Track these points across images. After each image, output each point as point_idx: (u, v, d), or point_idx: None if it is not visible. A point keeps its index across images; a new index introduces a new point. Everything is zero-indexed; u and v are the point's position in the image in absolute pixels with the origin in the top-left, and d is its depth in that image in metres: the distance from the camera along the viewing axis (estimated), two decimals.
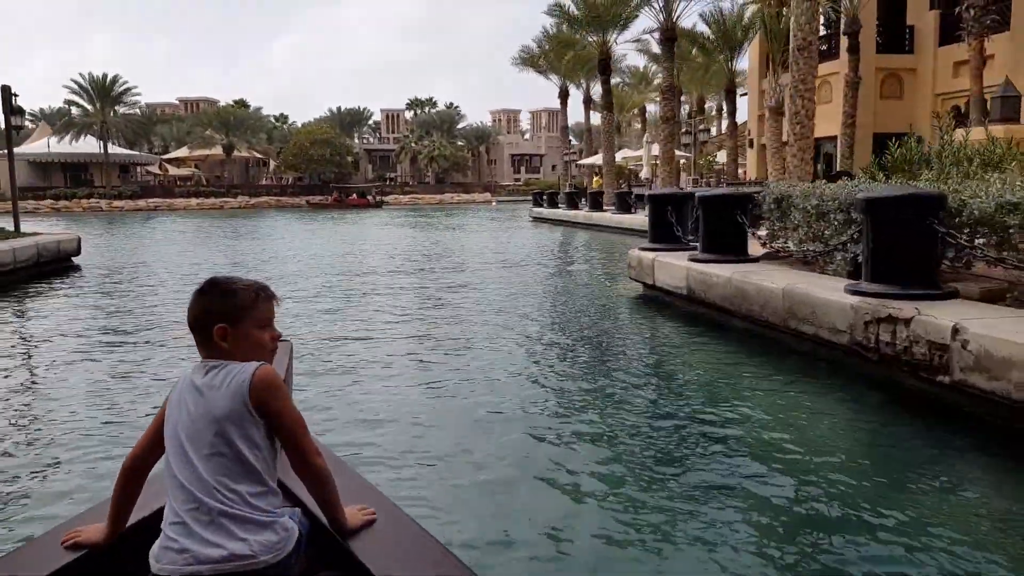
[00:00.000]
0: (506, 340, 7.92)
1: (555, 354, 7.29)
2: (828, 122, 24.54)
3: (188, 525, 1.61)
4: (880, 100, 23.80)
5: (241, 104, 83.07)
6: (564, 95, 36.81)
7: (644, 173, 26.02)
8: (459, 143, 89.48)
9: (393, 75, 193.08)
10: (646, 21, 59.76)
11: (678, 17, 24.28)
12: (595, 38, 29.36)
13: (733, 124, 24.47)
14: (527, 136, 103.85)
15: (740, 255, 8.69)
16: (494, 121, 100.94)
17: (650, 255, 9.96)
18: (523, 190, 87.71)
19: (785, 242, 8.47)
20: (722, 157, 31.43)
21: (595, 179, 37.13)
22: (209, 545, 1.59)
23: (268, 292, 1.83)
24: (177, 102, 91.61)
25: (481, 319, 9.23)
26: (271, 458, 1.74)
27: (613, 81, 44.43)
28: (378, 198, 61.28)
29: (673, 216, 10.10)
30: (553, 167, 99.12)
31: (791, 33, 12.48)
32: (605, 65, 29.78)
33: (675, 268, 9.09)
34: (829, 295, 6.19)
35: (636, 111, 49.99)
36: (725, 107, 26.86)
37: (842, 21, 23.05)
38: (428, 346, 7.65)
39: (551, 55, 34.90)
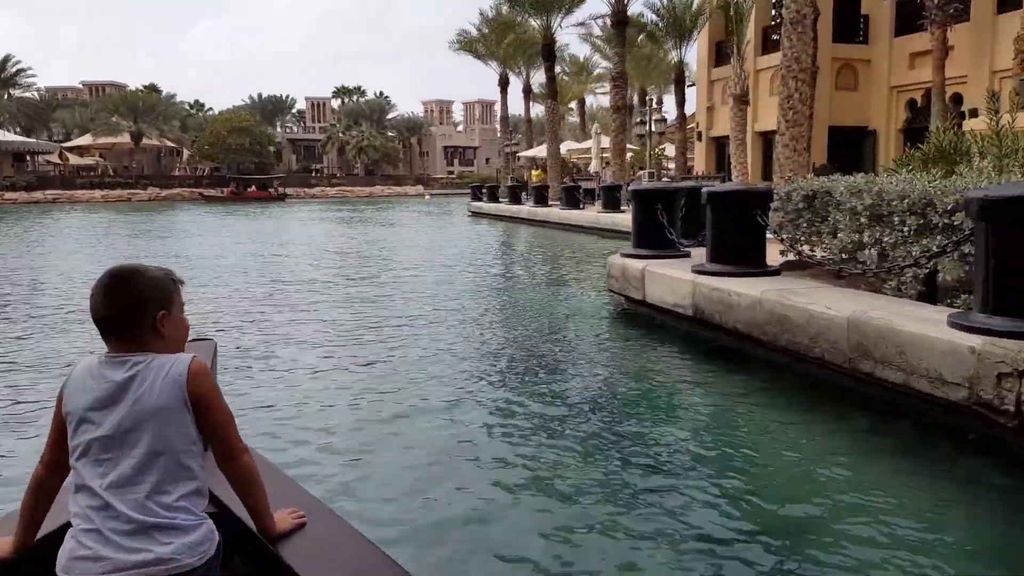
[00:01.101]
0: (452, 368, 6.13)
1: (517, 394, 5.51)
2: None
3: (103, 532, 1.53)
4: (835, 92, 22.87)
5: (152, 89, 78.02)
6: (504, 83, 34.99)
7: (593, 166, 24.49)
8: (390, 134, 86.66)
9: (321, 64, 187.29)
10: (591, 6, 58.83)
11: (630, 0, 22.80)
12: (538, 21, 27.63)
13: (682, 116, 23.16)
14: (460, 128, 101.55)
15: (757, 265, 7.05)
16: (426, 112, 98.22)
17: (638, 263, 8.25)
18: (457, 183, 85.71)
19: (812, 249, 6.87)
20: (670, 151, 30.23)
21: (535, 172, 35.49)
22: (128, 551, 1.52)
23: (177, 277, 1.77)
24: (81, 86, 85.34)
25: (419, 340, 7.40)
26: (202, 455, 1.68)
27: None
28: (280, 190, 57.82)
29: (664, 216, 8.41)
30: (488, 160, 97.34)
31: (784, 7, 11.00)
32: (549, 51, 28.07)
33: (677, 282, 7.39)
34: (927, 330, 4.57)
35: (575, 103, 48.48)
36: (674, 98, 25.58)
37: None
38: (357, 359, 6.68)
39: (491, 39, 33.00)
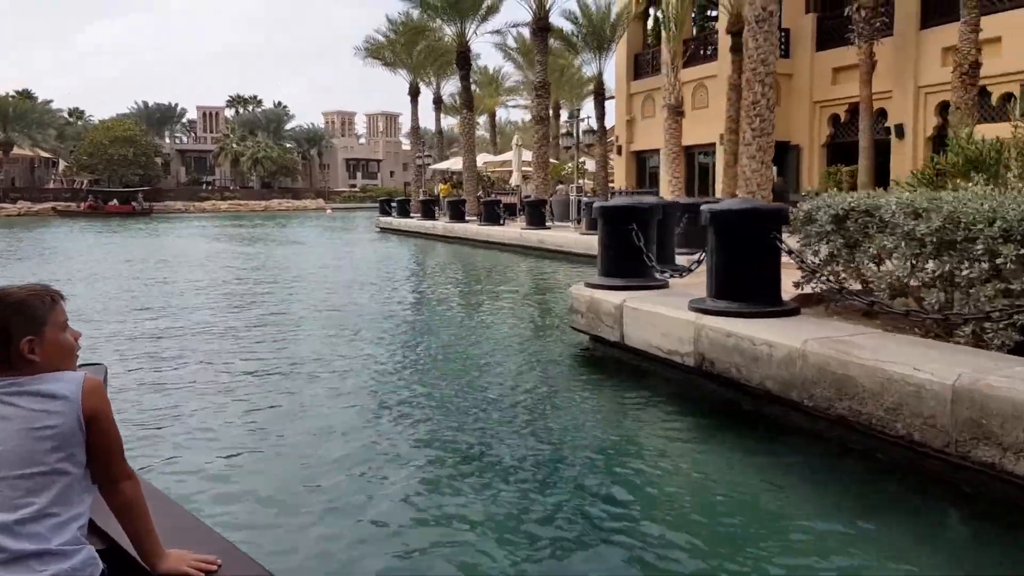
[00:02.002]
0: (367, 429, 4.51)
1: (447, 471, 3.94)
2: (704, 128, 22.88)
3: None
4: None
5: (25, 95, 71.73)
6: (414, 92, 33.17)
7: (514, 180, 23.10)
8: (288, 145, 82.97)
9: (217, 74, 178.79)
10: (505, 15, 57.84)
11: (552, 5, 21.58)
12: (452, 28, 26.10)
13: (603, 128, 22.11)
14: (363, 140, 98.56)
15: (773, 301, 5.69)
16: (327, 123, 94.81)
17: (613, 297, 6.77)
18: (360, 197, 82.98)
19: (839, 281, 5.56)
20: (589, 165, 29.20)
21: (442, 186, 33.81)
22: None
23: (55, 292, 1.67)
24: None
25: (334, 388, 5.68)
26: (91, 479, 1.61)
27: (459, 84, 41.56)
28: (145, 204, 53.77)
29: (640, 238, 6.96)
30: (392, 173, 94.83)
31: (747, 4, 9.87)
32: (464, 58, 26.54)
33: (672, 323, 5.93)
34: None
35: (485, 116, 47.16)
36: (594, 111, 24.65)
37: (724, 20, 21.31)
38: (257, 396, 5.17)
39: (399, 46, 31.17)
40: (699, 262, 6.46)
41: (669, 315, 5.99)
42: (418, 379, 6.62)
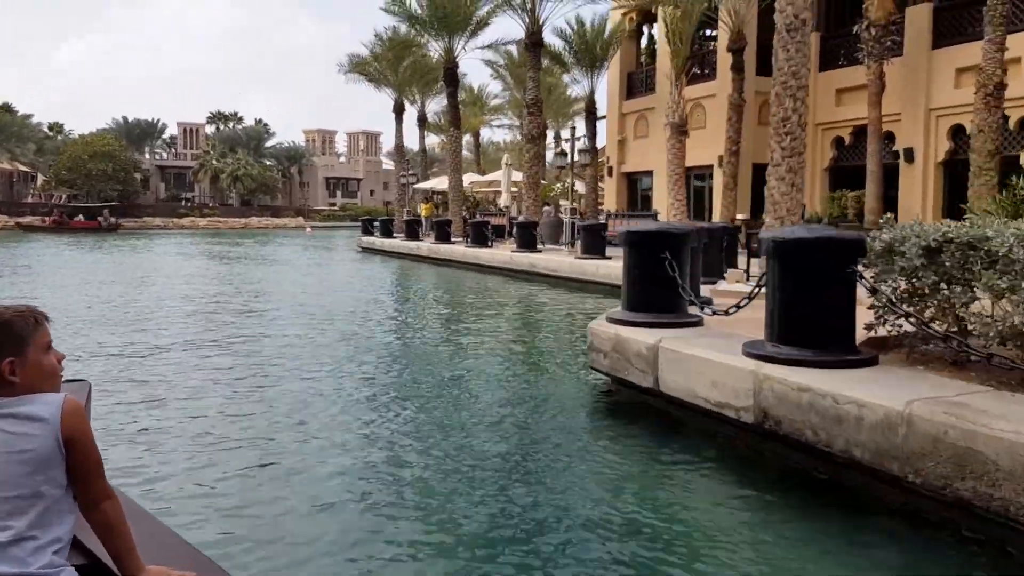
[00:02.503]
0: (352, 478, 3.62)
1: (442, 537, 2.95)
2: (701, 150, 22.15)
3: None
4: (759, 127, 21.73)
5: (5, 109, 70.17)
6: (399, 109, 32.20)
7: (504, 201, 22.20)
8: (268, 163, 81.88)
9: (197, 90, 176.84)
10: (496, 31, 56.85)
11: (545, 20, 20.83)
12: (441, 44, 25.27)
13: (594, 149, 21.31)
14: (343, 159, 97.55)
15: (847, 348, 4.75)
16: (308, 141, 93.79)
17: (646, 337, 5.80)
18: (339, 215, 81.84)
19: (921, 323, 4.63)
20: (579, 186, 28.39)
21: (424, 205, 32.84)
22: None
23: (40, 313, 1.66)
24: None
25: (317, 438, 4.71)
26: (72, 500, 1.61)
27: (444, 102, 40.73)
28: (111, 220, 52.24)
29: (674, 268, 6.01)
30: (372, 192, 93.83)
31: (777, 11, 9.05)
32: (452, 75, 25.67)
33: (723, 370, 4.98)
34: None
35: (468, 136, 46.32)
36: (585, 131, 23.90)
37: (724, 38, 20.67)
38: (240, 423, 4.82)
39: (385, 62, 30.28)
40: (750, 298, 5.53)
41: (721, 361, 5.02)
42: (408, 430, 5.60)
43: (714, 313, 5.91)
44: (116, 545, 1.62)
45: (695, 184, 23.94)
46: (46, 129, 76.40)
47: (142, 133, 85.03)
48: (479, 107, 42.80)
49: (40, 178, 68.60)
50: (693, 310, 6.41)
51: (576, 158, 17.93)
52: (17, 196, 66.41)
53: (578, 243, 18.00)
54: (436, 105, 37.71)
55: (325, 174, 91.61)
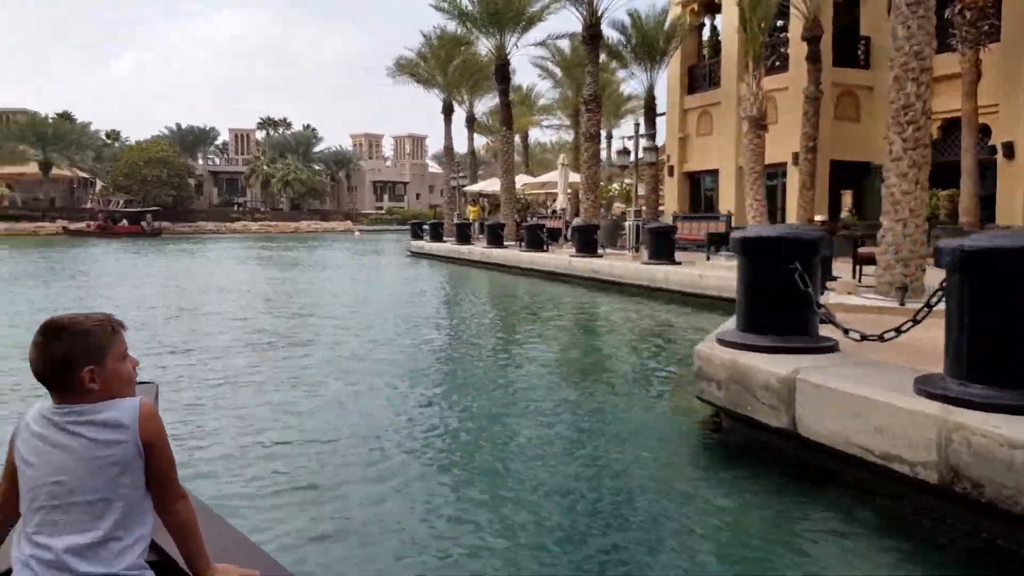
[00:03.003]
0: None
1: None
2: (772, 147, 20.73)
3: None
4: (836, 121, 20.27)
5: (65, 117, 71.86)
6: (448, 110, 31.36)
7: (559, 203, 21.12)
8: (316, 167, 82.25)
9: (246, 97, 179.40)
10: (549, 25, 56.01)
11: (603, 12, 19.70)
12: (492, 41, 24.35)
13: (654, 147, 20.03)
14: (390, 162, 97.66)
15: None
16: (355, 145, 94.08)
17: (776, 366, 4.70)
18: (387, 219, 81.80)
19: None
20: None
21: (471, 208, 31.97)
22: None
23: (117, 321, 1.69)
24: None
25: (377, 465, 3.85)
26: (150, 501, 1.64)
27: (493, 102, 39.83)
28: (155, 225, 52.57)
29: (806, 281, 4.90)
30: (418, 195, 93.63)
31: None
32: (503, 72, 24.70)
33: (894, 414, 3.85)
34: None
35: (516, 137, 45.29)
36: (644, 128, 22.59)
37: (797, 26, 19.28)
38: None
39: (434, 62, 29.49)
40: (916, 321, 4.38)
41: (890, 402, 3.89)
42: (467, 460, 4.62)
43: (863, 338, 4.75)
44: (188, 543, 1.67)
45: (766, 183, 22.50)
46: (104, 137, 78.08)
47: (195, 140, 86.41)
48: (527, 107, 41.79)
49: (99, 184, 70.03)
50: (823, 330, 5.29)
51: (641, 156, 16.69)
52: (77, 202, 67.88)
53: (642, 247, 16.85)
54: (484, 106, 36.92)
55: (372, 178, 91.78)
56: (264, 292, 16.06)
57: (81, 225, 52.57)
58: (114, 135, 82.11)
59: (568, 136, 49.71)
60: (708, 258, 15.71)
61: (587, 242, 17.70)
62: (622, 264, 15.84)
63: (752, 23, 13.95)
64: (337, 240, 49.33)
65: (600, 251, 18.08)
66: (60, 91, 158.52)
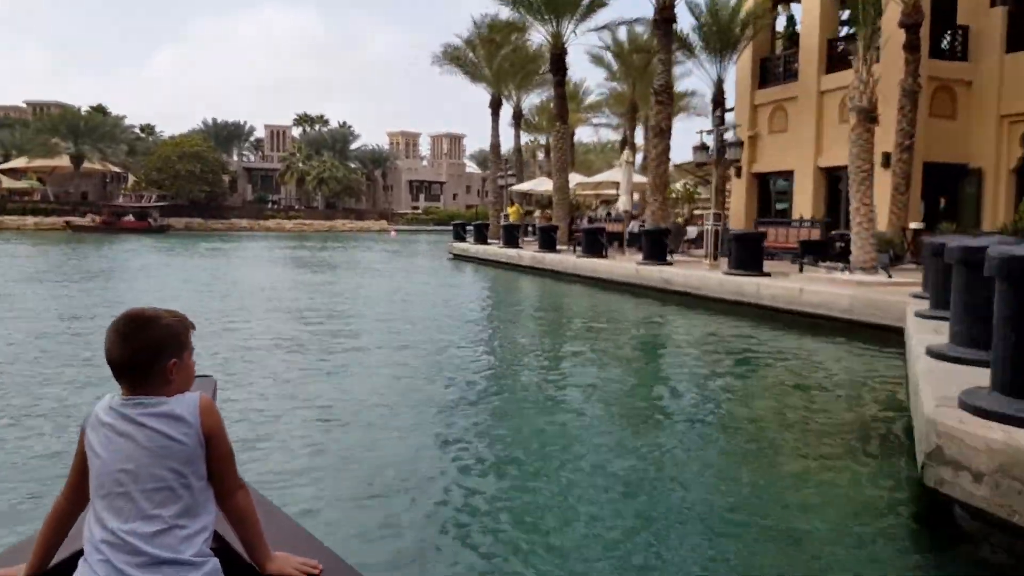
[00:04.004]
0: None
1: None
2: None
3: (114, 564, 1.55)
4: (932, 119, 18.24)
5: (99, 110, 71.74)
6: (496, 104, 29.68)
7: (622, 204, 19.38)
8: (352, 165, 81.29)
9: (284, 94, 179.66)
10: (610, 12, 54.13)
11: None
12: (547, 28, 22.67)
13: (740, 143, 17.96)
14: (426, 162, 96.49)
15: None
16: (392, 144, 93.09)
17: None
18: (423, 219, 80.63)
19: None
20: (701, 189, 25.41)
21: (511, 208, 30.22)
22: None
23: (191, 321, 1.76)
24: (24, 106, 78.31)
25: None
26: (211, 491, 1.69)
27: (541, 97, 38.13)
28: (160, 221, 51.39)
29: None
30: (455, 196, 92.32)
31: None
32: (559, 62, 23.00)
33: None
34: None
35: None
36: (711, 125, 20.70)
37: (893, 11, 17.27)
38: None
39: (482, 50, 27.87)
40: None
41: None
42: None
43: None
44: (247, 532, 1.72)
45: (844, 189, 20.51)
46: (138, 131, 77.88)
47: (230, 135, 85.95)
48: (575, 103, 39.99)
49: (131, 179, 69.69)
50: None
51: (727, 152, 14.76)
52: (110, 196, 67.62)
53: (719, 256, 15.03)
54: (529, 103, 35.32)
55: (408, 177, 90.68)
56: (296, 303, 14.53)
57: (85, 220, 51.62)
58: (148, 129, 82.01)
59: (615, 136, 47.83)
60: (801, 269, 13.83)
61: (656, 248, 15.93)
62: (700, 274, 14.03)
63: (863, 3, 12.08)
64: (373, 240, 48.06)
65: (671, 259, 16.30)
66: (98, 85, 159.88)
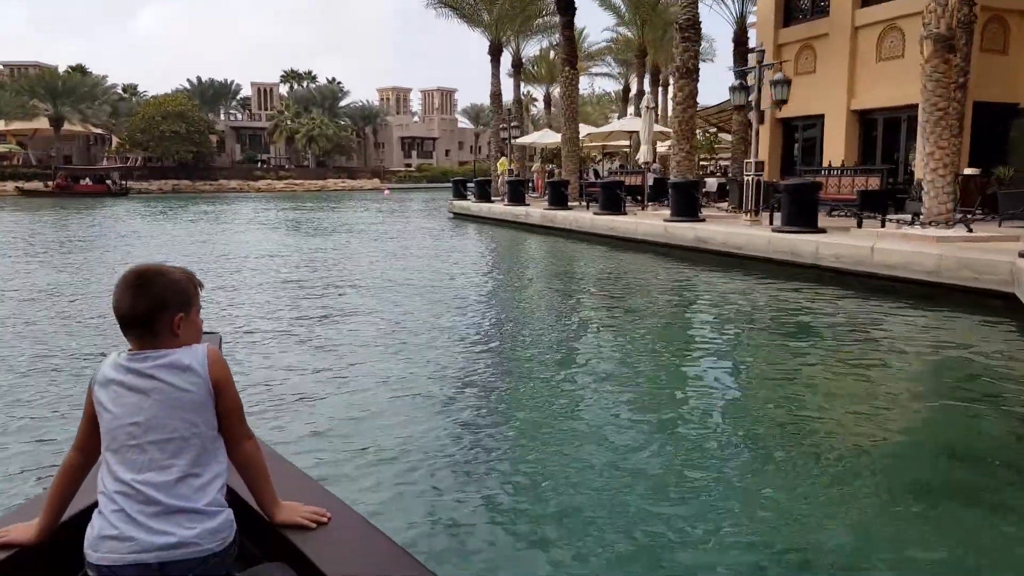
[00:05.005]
0: None
1: None
2: (901, 87, 17.17)
3: (130, 514, 1.58)
4: (983, 54, 16.56)
5: (79, 70, 68.94)
6: (496, 50, 27.51)
7: (643, 155, 17.71)
8: (343, 123, 78.75)
9: (272, 54, 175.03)
10: None
11: None
12: None
13: (786, 81, 16.07)
14: (417, 118, 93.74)
15: None
16: (382, 100, 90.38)
17: None
18: (415, 176, 78.56)
19: None
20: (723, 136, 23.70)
21: (501, 161, 28.38)
22: (155, 533, 1.57)
23: (198, 279, 1.79)
24: (1, 67, 75.21)
25: None
26: (222, 441, 1.71)
27: (541, 44, 36.00)
28: (121, 183, 48.94)
29: None
30: (447, 152, 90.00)
31: None
32: (567, 2, 21.11)
33: None
34: None
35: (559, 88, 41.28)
36: (733, 65, 19.06)
37: None
38: None
39: None
40: None
41: None
42: None
43: None
44: (257, 482, 1.74)
45: (881, 131, 18.86)
46: (120, 91, 74.99)
47: (216, 94, 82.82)
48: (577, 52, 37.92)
49: (115, 140, 67.27)
50: None
51: (773, 93, 13.05)
52: (94, 159, 65.33)
53: (761, 209, 13.51)
54: (527, 53, 33.27)
55: (400, 134, 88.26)
56: (292, 275, 13.02)
57: (38, 184, 49.20)
58: (131, 89, 78.99)
59: (615, 86, 45.73)
60: (859, 224, 12.32)
61: (687, 203, 14.40)
62: (744, 232, 12.53)
63: None
64: (367, 199, 46.26)
65: (702, 214, 14.78)
66: (78, 46, 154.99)
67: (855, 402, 5.29)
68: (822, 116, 19.62)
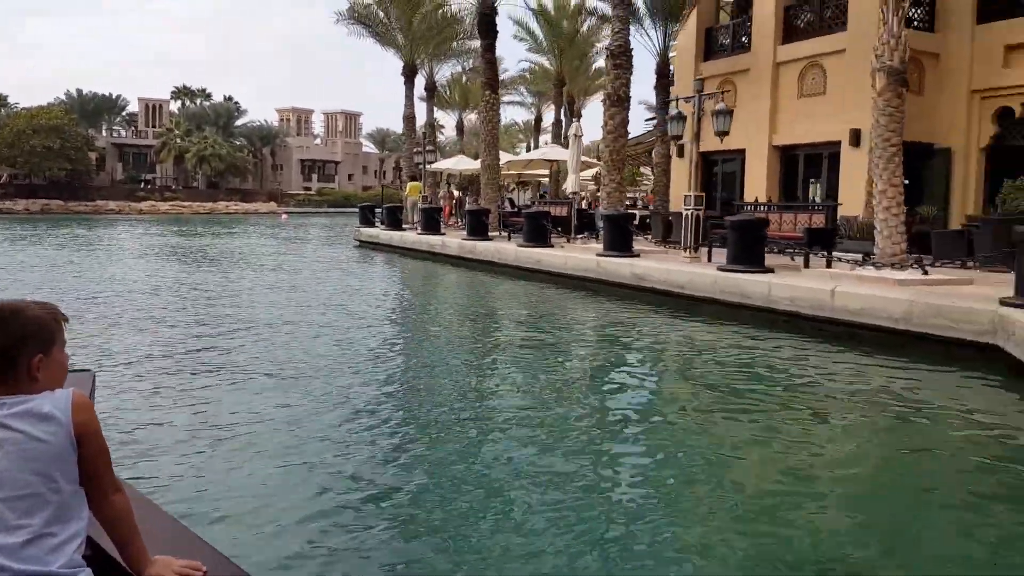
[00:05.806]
0: None
1: None
2: (823, 124, 17.17)
3: None
4: (910, 96, 16.70)
5: None
6: (411, 71, 26.25)
7: (570, 185, 16.77)
8: (238, 143, 75.27)
9: (166, 70, 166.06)
10: None
11: None
12: None
13: (728, 111, 15.47)
14: (319, 140, 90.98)
15: None
16: (282, 121, 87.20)
17: None
18: (315, 200, 75.92)
19: None
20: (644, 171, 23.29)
21: (412, 185, 27.04)
22: None
23: (62, 313, 1.63)
24: None
25: None
26: (83, 495, 1.56)
27: (453, 70, 35.07)
28: None
29: None
30: (350, 176, 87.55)
31: None
32: (488, 24, 20.12)
33: None
34: None
35: (474, 115, 40.33)
36: (655, 100, 18.64)
37: None
38: None
39: (395, 11, 24.52)
40: None
41: None
42: None
43: None
44: (123, 536, 1.59)
45: (801, 167, 18.81)
46: None
47: (97, 108, 77.50)
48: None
49: None
50: None
51: (715, 123, 12.30)
52: None
53: (699, 247, 12.82)
54: (440, 77, 32.25)
55: (300, 156, 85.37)
56: (163, 314, 11.27)
57: None
58: (1, 100, 72.80)
59: (526, 115, 45.39)
60: (806, 264, 11.75)
61: (620, 236, 13.56)
62: (685, 269, 11.72)
63: None
64: (261, 224, 43.78)
65: (636, 249, 13.98)
66: None
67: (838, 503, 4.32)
68: (743, 151, 19.45)
